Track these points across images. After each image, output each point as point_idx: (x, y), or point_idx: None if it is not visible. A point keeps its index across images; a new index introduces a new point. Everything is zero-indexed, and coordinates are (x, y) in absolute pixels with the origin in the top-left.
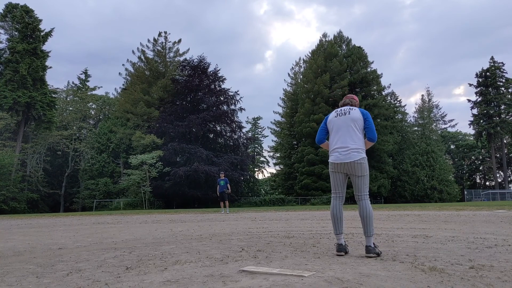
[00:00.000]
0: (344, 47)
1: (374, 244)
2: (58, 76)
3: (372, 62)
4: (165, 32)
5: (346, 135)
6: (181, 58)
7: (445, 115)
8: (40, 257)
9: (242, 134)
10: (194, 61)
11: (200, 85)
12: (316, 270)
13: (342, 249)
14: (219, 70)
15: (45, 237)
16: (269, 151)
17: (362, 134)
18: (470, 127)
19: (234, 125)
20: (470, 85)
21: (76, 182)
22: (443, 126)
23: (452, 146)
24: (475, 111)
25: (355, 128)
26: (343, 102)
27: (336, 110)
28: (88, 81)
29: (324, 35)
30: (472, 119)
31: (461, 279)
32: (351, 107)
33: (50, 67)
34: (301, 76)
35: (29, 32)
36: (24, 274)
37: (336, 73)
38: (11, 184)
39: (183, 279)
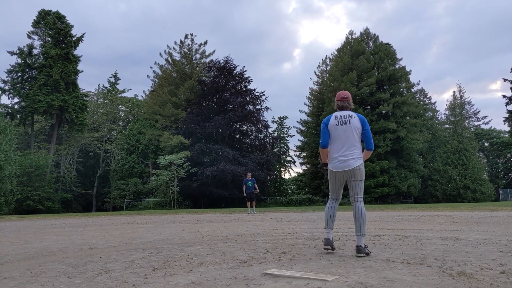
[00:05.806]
0: (371, 44)
1: (364, 244)
2: (89, 79)
3: (401, 59)
4: (191, 34)
5: (347, 144)
6: (207, 60)
7: (478, 112)
8: (72, 257)
9: (268, 134)
10: (220, 62)
11: (226, 86)
12: (340, 274)
13: (329, 243)
14: (245, 71)
15: (77, 237)
16: (295, 151)
17: (360, 142)
18: (505, 124)
19: (260, 125)
20: (505, 80)
21: (107, 183)
22: (476, 123)
23: (486, 144)
24: (510, 107)
25: (355, 137)
26: (340, 105)
27: (335, 115)
28: (117, 84)
29: (351, 33)
30: (507, 115)
31: (490, 284)
32: (350, 115)
33: (82, 71)
34: (327, 75)
35: (61, 38)
36: (56, 274)
37: (363, 70)
38: (46, 185)
39: (207, 281)
